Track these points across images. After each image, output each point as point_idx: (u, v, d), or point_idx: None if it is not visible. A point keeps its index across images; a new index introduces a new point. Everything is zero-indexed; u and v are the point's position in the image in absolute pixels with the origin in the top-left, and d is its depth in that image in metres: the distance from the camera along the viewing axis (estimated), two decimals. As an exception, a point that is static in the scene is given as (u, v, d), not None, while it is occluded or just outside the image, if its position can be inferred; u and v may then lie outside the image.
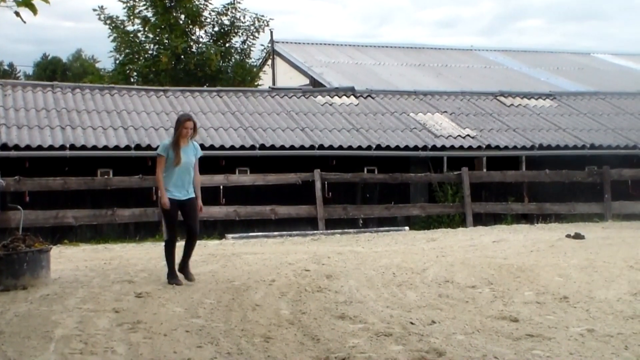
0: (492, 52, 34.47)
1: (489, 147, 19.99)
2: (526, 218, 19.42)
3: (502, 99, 23.60)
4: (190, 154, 9.74)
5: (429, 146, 19.51)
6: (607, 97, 24.58)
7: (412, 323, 7.62)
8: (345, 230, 17.42)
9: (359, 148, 19.04)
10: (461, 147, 19.85)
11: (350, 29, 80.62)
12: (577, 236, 14.85)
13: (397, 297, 8.99)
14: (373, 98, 22.60)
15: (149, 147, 17.50)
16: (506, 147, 20.11)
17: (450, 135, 20.26)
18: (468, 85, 26.54)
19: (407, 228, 18.04)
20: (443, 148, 19.70)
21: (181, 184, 9.61)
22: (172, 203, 9.52)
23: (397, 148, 19.32)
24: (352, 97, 22.49)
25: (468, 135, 20.44)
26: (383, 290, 9.35)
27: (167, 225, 9.72)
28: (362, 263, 11.35)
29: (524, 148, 20.22)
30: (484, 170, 20.17)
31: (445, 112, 22.03)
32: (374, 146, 19.13)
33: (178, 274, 9.69)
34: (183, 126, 9.69)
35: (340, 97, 22.35)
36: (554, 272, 10.63)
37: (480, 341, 6.95)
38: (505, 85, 26.13)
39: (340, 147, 18.90)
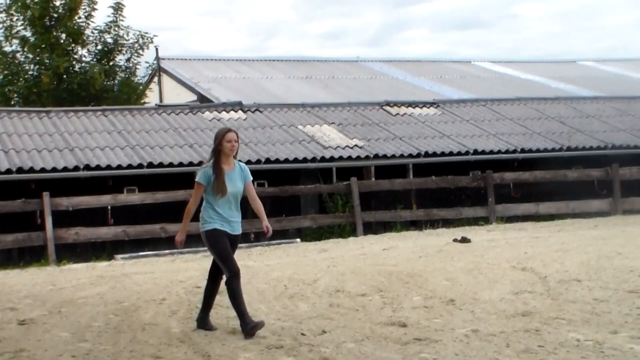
0: (377, 62, 34.99)
1: (376, 156, 20.30)
2: (415, 225, 19.79)
3: (388, 108, 24.00)
4: (237, 180, 7.81)
5: (318, 158, 19.68)
6: (487, 104, 25.30)
7: (303, 334, 7.68)
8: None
9: (248, 162, 19.01)
10: (349, 158, 20.09)
11: (237, 43, 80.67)
12: (464, 240, 15.22)
13: (288, 309, 9.03)
14: (261, 112, 22.65)
15: (31, 170, 17.09)
16: (393, 156, 20.46)
17: (338, 146, 20.48)
18: (355, 96, 26.88)
19: (298, 240, 18.13)
20: (332, 159, 19.91)
21: (228, 217, 7.78)
22: (219, 233, 7.68)
23: (287, 161, 19.42)
24: (240, 111, 22.48)
25: (356, 145, 20.71)
26: (275, 303, 9.38)
27: (223, 260, 7.69)
28: (253, 277, 11.35)
29: (410, 156, 20.61)
30: (373, 179, 20.46)
31: (333, 123, 22.26)
32: (263, 160, 19.18)
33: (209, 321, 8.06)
34: (224, 139, 7.72)
35: (228, 112, 22.31)
36: (442, 276, 10.87)
37: (369, 348, 7.05)
38: (391, 94, 26.57)
39: (230, 162, 18.86)
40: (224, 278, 7.79)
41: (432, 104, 24.93)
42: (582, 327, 7.48)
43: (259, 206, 8.08)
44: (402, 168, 20.81)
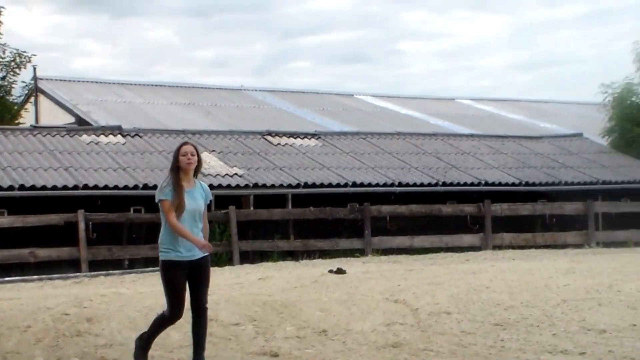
0: (261, 92, 35.12)
1: (256, 185, 20.32)
2: (292, 255, 19.85)
3: (269, 138, 24.09)
4: (198, 198, 7.26)
5: (197, 185, 19.52)
6: (368, 137, 25.71)
7: (172, 363, 7.57)
8: (110, 272, 17.01)
9: (126, 187, 18.74)
10: (229, 186, 20.03)
11: (120, 67, 79.57)
12: (339, 271, 15.33)
13: (160, 338, 8.84)
14: (141, 137, 22.36)
15: None
16: (273, 186, 20.52)
17: (218, 174, 20.40)
18: (237, 124, 26.87)
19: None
20: (211, 187, 19.66)
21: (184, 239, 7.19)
22: (176, 267, 7.09)
23: (165, 187, 19.19)
24: (119, 136, 22.13)
25: (236, 174, 20.67)
26: (145, 332, 9.20)
27: (170, 297, 7.16)
28: (125, 304, 11.11)
29: (290, 186, 20.71)
30: (252, 208, 20.45)
31: (214, 151, 22.17)
32: (140, 185, 18.90)
33: None
34: (180, 153, 7.21)
35: (107, 136, 21.93)
36: (316, 306, 10.91)
37: (239, 378, 7.01)
38: (273, 124, 26.69)
39: (106, 187, 18.53)
40: (161, 312, 7.42)
41: (313, 135, 25.16)
42: (449, 359, 7.64)
43: (205, 233, 7.48)
44: (282, 198, 20.88)
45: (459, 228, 21.94)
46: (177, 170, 7.20)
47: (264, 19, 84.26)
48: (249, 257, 19.21)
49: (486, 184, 22.96)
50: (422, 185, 22.27)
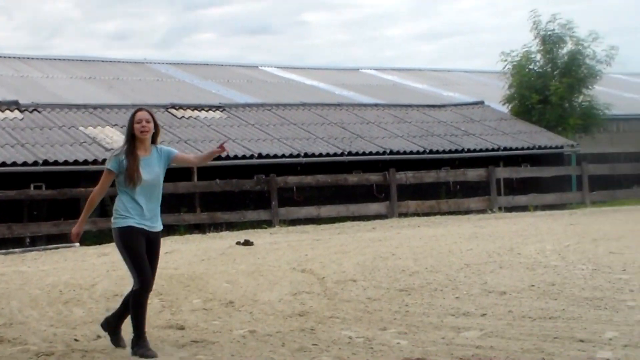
0: (164, 65, 34.58)
1: (160, 159, 20.05)
2: (199, 228, 19.73)
3: (173, 111, 23.79)
4: (155, 166, 6.86)
5: (100, 160, 19.17)
6: (273, 108, 25.65)
7: (76, 340, 7.45)
8: (10, 250, 16.59)
9: (24, 164, 18.27)
10: (133, 160, 19.72)
11: (17, 41, 77.22)
12: (247, 243, 15.34)
13: (62, 315, 8.73)
14: (40, 112, 21.80)
15: None
16: (178, 159, 20.28)
17: (121, 149, 20.06)
18: (140, 98, 26.41)
19: (78, 244, 17.57)
20: (114, 161, 19.47)
21: (145, 210, 6.80)
22: (135, 232, 6.71)
23: (66, 163, 18.80)
24: (16, 111, 21.52)
25: (139, 147, 20.35)
26: (48, 309, 9.04)
27: (134, 265, 6.71)
28: (26, 283, 10.88)
29: (195, 159, 20.49)
30: (157, 182, 20.16)
31: (117, 125, 21.77)
32: (40, 161, 18.46)
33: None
34: (134, 120, 6.79)
35: (3, 112, 21.30)
36: (223, 278, 10.90)
37: (144, 352, 6.94)
38: (177, 97, 26.36)
39: (4, 164, 18.03)
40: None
41: (218, 107, 24.97)
42: (354, 325, 7.73)
43: (196, 157, 7.66)
44: (187, 171, 20.68)
45: (365, 197, 22.16)
46: (131, 138, 6.80)
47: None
48: (155, 232, 18.99)
49: (391, 152, 23.21)
50: (327, 155, 22.36)
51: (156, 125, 6.86)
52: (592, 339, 6.69)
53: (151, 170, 6.80)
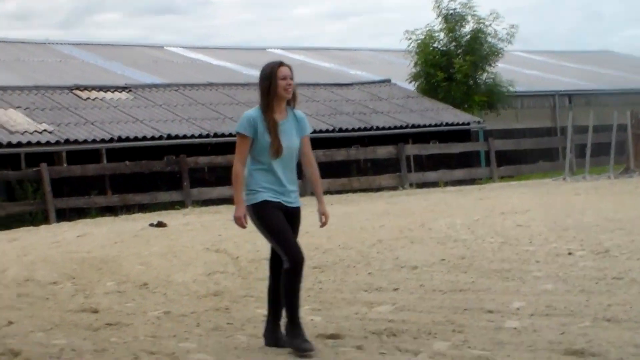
0: (67, 45, 33.83)
1: (67, 141, 19.72)
2: (111, 210, 19.48)
3: (78, 92, 23.34)
4: (293, 134, 5.90)
5: (4, 143, 18.75)
6: (180, 89, 25.41)
7: (-13, 326, 7.31)
8: None
9: None
10: (38, 143, 19.34)
11: None
12: (160, 224, 15.26)
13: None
14: (-61, 95, 21.12)
15: None
16: (85, 141, 19.99)
17: (26, 131, 19.62)
18: (43, 79, 25.82)
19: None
20: (19, 144, 19.05)
21: (283, 183, 5.87)
22: (271, 206, 5.81)
23: (-31, 146, 18.30)
24: None
25: (45, 130, 19.95)
26: (-45, 297, 8.84)
27: (280, 243, 5.81)
28: None
29: (103, 141, 20.23)
30: (65, 165, 19.82)
31: (20, 107, 21.27)
32: (-59, 146, 17.93)
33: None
34: (278, 76, 5.78)
35: None
36: (136, 260, 10.84)
37: (58, 336, 6.86)
38: (81, 79, 25.85)
39: None
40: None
41: (124, 88, 24.60)
42: (270, 303, 7.78)
43: (314, 174, 6.02)
44: (96, 153, 20.37)
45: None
46: (271, 96, 5.80)
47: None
48: (65, 215, 18.69)
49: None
50: (230, 135, 22.21)
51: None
52: (501, 310, 6.89)
53: (289, 137, 5.83)
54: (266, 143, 5.75)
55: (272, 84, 5.76)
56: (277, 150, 5.73)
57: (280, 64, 5.82)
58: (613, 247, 9.60)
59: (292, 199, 5.90)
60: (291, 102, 5.88)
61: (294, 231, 5.90)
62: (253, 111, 5.84)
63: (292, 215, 5.89)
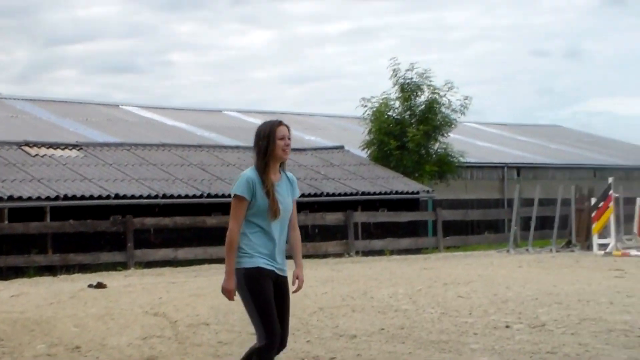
0: (20, 100, 33.62)
1: (11, 198, 19.44)
2: (50, 270, 19.14)
3: (27, 148, 23.12)
4: (287, 195, 5.68)
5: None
6: (132, 148, 25.30)
7: None
8: None
9: None
10: (-17, 199, 19.03)
11: None
12: (100, 285, 15.00)
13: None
14: None
15: None
16: (30, 198, 19.73)
17: (-30, 187, 19.33)
18: (-8, 134, 25.56)
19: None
20: (-38, 200, 18.72)
21: (277, 246, 5.60)
22: (264, 275, 5.52)
23: None
24: None
25: (-10, 186, 19.67)
26: None
27: (261, 316, 5.47)
28: None
29: (48, 199, 19.98)
30: (6, 222, 19.50)
31: (-33, 161, 20.99)
32: None
33: None
34: (277, 136, 5.60)
35: None
36: (71, 322, 10.62)
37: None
38: (32, 134, 25.62)
39: None
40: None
41: (75, 146, 24.43)
42: (201, 370, 7.67)
43: (297, 237, 5.74)
44: (40, 211, 20.09)
45: (223, 239, 21.87)
46: (268, 156, 5.57)
47: (27, 25, 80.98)
48: (2, 274, 18.31)
49: (250, 195, 23.21)
50: (187, 197, 22.20)
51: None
52: (435, 382, 6.86)
53: (284, 199, 5.60)
54: (264, 205, 5.49)
55: (270, 144, 5.55)
56: (275, 212, 5.50)
57: (279, 123, 5.65)
58: (549, 321, 9.66)
59: (283, 266, 5.62)
60: (283, 163, 5.69)
61: (285, 300, 5.63)
62: (249, 172, 5.59)
63: (283, 284, 5.61)
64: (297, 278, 5.54)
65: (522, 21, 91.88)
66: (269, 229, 5.53)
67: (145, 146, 25.89)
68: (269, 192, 5.50)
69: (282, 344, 5.60)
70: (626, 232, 24.50)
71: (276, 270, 5.54)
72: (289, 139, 5.60)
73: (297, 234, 5.73)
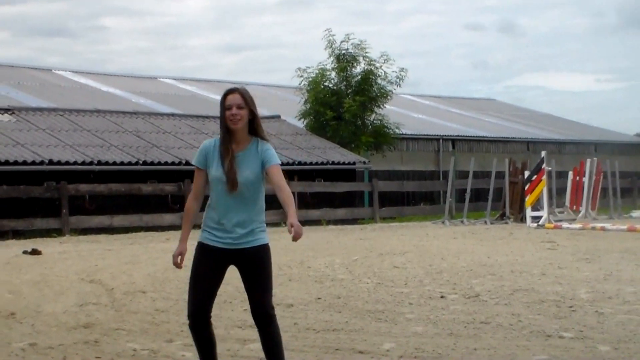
0: (-52, 64, 32.79)
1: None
2: (-18, 236, 18.82)
3: (-43, 112, 22.58)
4: (250, 166, 5.28)
5: None
6: (65, 114, 24.89)
7: None
8: None
9: None
10: None
11: None
12: (34, 252, 14.83)
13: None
14: None
15: None
16: (-39, 163, 19.30)
17: None
18: None
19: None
20: None
21: (232, 221, 5.29)
22: (204, 251, 5.38)
23: None
24: None
25: None
26: None
27: (189, 293, 5.44)
28: None
29: (-20, 163, 19.58)
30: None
31: None
32: None
33: None
34: (224, 105, 5.30)
35: None
36: (5, 289, 10.50)
37: None
38: (-38, 98, 25.05)
39: None
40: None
41: (6, 110, 23.93)
42: (140, 337, 7.66)
43: (284, 196, 5.18)
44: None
45: (159, 207, 21.92)
46: (222, 129, 5.32)
47: (-45, -16, 78.66)
48: None
49: (187, 163, 23.09)
50: (122, 164, 21.96)
51: (252, 112, 5.30)
52: (371, 350, 6.97)
53: (244, 171, 5.25)
54: (219, 176, 5.25)
55: (221, 113, 5.31)
56: (232, 184, 5.21)
57: (229, 91, 5.33)
58: (483, 291, 9.88)
59: (244, 238, 5.29)
60: (256, 129, 5.33)
61: (253, 276, 5.31)
62: (210, 141, 5.38)
63: (249, 256, 5.29)
64: (291, 226, 5.05)
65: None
66: (224, 202, 5.27)
67: (79, 112, 25.49)
68: (225, 162, 5.24)
69: (263, 315, 5.40)
70: (558, 205, 25.07)
71: (227, 246, 5.30)
72: (239, 107, 5.24)
73: (284, 193, 5.18)
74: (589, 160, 25.36)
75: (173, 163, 22.89)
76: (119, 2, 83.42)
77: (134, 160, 22.25)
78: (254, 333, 7.81)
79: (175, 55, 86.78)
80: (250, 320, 8.39)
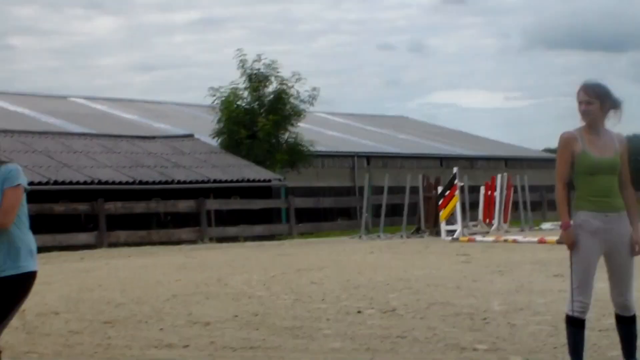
0: None
1: None
2: None
3: None
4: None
5: None
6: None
7: None
8: None
9: None
10: None
11: None
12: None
13: None
14: None
15: None
16: None
17: None
18: None
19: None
20: None
21: None
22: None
23: None
24: None
25: None
26: None
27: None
28: None
29: None
30: None
31: None
32: None
33: None
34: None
35: None
36: None
37: None
38: None
39: None
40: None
41: None
42: (53, 360, 7.48)
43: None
44: None
45: (72, 227, 21.52)
46: None
47: None
48: None
49: (99, 182, 22.77)
50: (32, 184, 21.44)
51: None
52: (289, 367, 6.94)
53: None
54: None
55: None
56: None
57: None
58: (400, 306, 9.94)
59: (5, 266, 5.07)
60: None
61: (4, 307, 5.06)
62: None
63: (2, 285, 5.06)
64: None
65: (368, 16, 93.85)
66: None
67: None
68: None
69: None
70: (472, 218, 25.49)
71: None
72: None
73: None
74: (499, 175, 25.89)
75: (85, 182, 22.52)
76: (25, 22, 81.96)
77: (44, 180, 21.80)
78: (170, 353, 7.74)
79: (86, 75, 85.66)
80: (167, 339, 8.32)
